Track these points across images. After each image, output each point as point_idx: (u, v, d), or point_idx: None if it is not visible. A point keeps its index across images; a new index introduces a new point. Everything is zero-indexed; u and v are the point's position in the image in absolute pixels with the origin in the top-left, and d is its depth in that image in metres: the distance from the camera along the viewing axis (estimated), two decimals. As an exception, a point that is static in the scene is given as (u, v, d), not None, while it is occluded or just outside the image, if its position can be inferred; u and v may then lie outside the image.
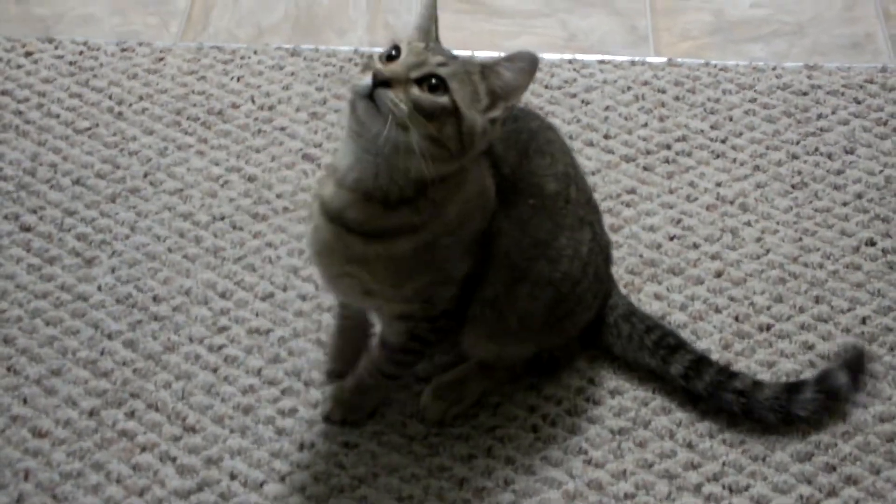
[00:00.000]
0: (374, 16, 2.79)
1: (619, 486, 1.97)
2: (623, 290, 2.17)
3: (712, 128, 2.51)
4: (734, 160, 2.45)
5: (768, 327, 2.17)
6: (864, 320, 2.17)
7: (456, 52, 1.79)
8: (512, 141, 1.90)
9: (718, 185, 2.40)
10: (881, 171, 2.42)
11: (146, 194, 2.37)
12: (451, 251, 1.83)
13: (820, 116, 2.53)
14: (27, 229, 2.30)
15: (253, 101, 2.55)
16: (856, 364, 1.97)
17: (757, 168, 2.43)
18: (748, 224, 2.33)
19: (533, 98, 2.54)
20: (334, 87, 2.57)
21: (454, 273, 1.85)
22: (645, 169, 2.43)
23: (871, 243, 2.29)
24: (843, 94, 2.57)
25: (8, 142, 2.46)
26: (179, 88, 2.57)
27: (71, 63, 2.61)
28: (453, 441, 2.02)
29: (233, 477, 1.97)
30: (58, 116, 2.50)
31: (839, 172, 2.42)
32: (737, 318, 2.18)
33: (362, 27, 2.76)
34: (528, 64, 1.75)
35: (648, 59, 2.66)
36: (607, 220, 2.25)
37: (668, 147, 2.47)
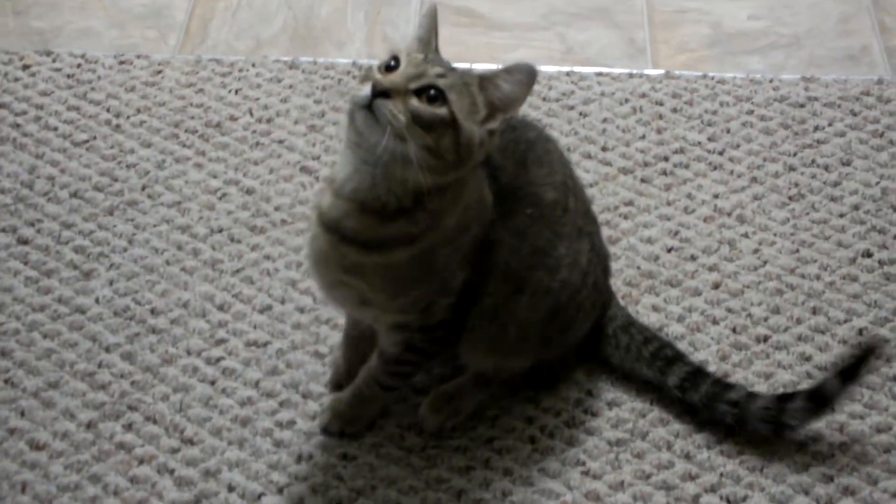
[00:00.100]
0: (373, 28, 2.79)
1: (616, 497, 1.97)
2: (621, 302, 2.17)
3: (710, 140, 2.51)
4: (731, 172, 2.45)
5: (765, 338, 2.17)
6: (860, 331, 2.18)
7: (454, 65, 1.79)
8: (510, 151, 1.90)
9: (716, 196, 2.40)
10: (877, 183, 2.42)
11: (144, 207, 2.37)
12: (448, 261, 1.83)
13: (817, 128, 2.54)
14: (25, 242, 2.30)
15: (251, 114, 2.55)
16: (850, 372, 1.96)
17: (754, 180, 2.43)
18: (745, 236, 2.33)
19: (531, 110, 2.55)
20: (332, 100, 2.58)
21: (451, 283, 1.85)
22: (643, 181, 2.43)
23: (868, 254, 2.30)
24: (839, 106, 2.58)
25: (6, 154, 2.46)
26: (177, 101, 2.58)
27: (69, 76, 2.62)
28: (451, 453, 2.02)
29: (231, 489, 1.97)
30: (56, 129, 2.51)
31: (836, 184, 2.42)
32: (734, 330, 2.18)
33: (360, 39, 2.77)
34: (526, 76, 1.76)
35: (646, 72, 2.66)
36: (605, 232, 2.25)
37: (666, 159, 2.47)
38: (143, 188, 2.40)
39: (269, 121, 2.54)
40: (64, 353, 2.13)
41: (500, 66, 1.77)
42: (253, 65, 2.66)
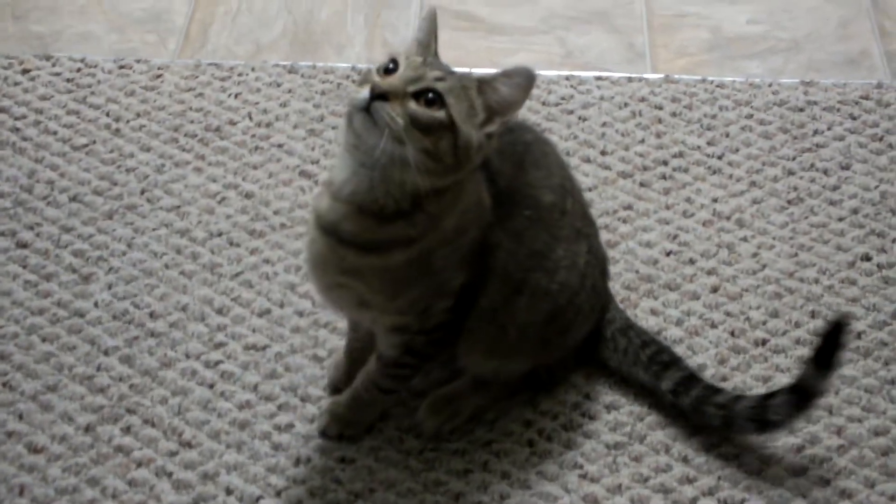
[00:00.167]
0: (372, 32, 2.80)
1: (614, 500, 1.97)
2: (620, 305, 2.17)
3: (709, 144, 2.51)
4: (731, 176, 2.45)
5: (764, 342, 2.17)
6: (859, 335, 2.17)
7: (454, 69, 1.80)
8: (507, 153, 1.90)
9: (715, 200, 2.40)
10: (876, 187, 2.42)
11: (143, 211, 2.37)
12: (446, 263, 1.83)
13: (816, 132, 2.54)
14: (24, 246, 2.30)
15: (250, 118, 2.56)
16: (825, 359, 1.92)
17: (753, 184, 2.44)
18: (744, 240, 2.33)
19: (530, 114, 2.55)
20: (332, 104, 2.58)
21: (449, 284, 1.85)
22: (642, 185, 2.43)
23: (867, 258, 2.30)
24: (838, 110, 2.58)
25: (5, 159, 2.46)
26: (177, 105, 2.58)
27: (68, 80, 2.62)
28: (449, 456, 2.02)
29: (229, 492, 1.97)
30: (55, 133, 2.51)
31: (835, 188, 2.42)
32: (732, 334, 2.18)
33: (360, 44, 2.77)
34: (524, 79, 1.76)
35: (645, 76, 2.67)
36: (604, 236, 2.25)
37: (665, 163, 2.47)
38: (143, 192, 2.40)
39: (268, 125, 2.54)
40: (62, 357, 2.13)
41: (499, 70, 1.77)
42: (252, 69, 2.66)
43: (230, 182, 2.43)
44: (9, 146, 2.48)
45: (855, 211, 2.38)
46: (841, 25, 2.81)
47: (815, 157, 2.49)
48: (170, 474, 1.99)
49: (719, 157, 2.48)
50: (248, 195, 2.40)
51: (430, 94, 1.72)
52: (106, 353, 2.14)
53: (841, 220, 2.37)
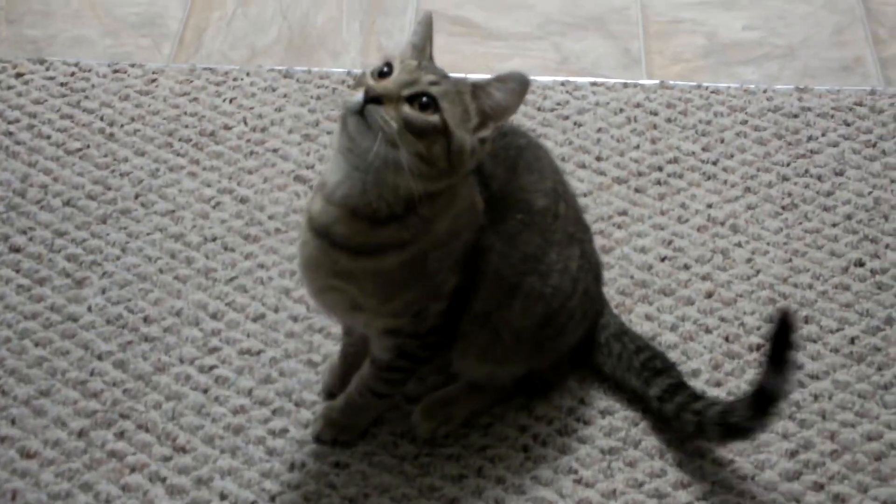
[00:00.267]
0: (368, 38, 2.80)
1: (609, 506, 1.97)
2: (615, 311, 2.17)
3: (704, 150, 2.52)
4: (725, 182, 2.45)
5: (758, 347, 2.17)
6: (852, 340, 2.18)
7: (448, 73, 1.80)
8: (500, 157, 1.90)
9: (709, 206, 2.40)
10: (870, 193, 2.43)
11: (137, 215, 2.37)
12: (439, 266, 1.83)
13: (810, 138, 2.54)
14: (17, 250, 2.30)
15: (245, 123, 2.56)
16: (779, 357, 1.88)
17: (748, 190, 2.44)
18: (739, 245, 2.34)
19: (525, 120, 2.55)
20: (327, 109, 2.58)
21: (443, 288, 1.85)
22: (636, 191, 2.43)
23: (860, 264, 2.30)
24: (832, 116, 2.58)
25: (-1, 163, 2.47)
26: (171, 110, 2.58)
27: (62, 84, 2.62)
28: (444, 461, 2.01)
29: (223, 497, 1.97)
30: (49, 137, 2.51)
31: (829, 194, 2.43)
32: (727, 339, 2.18)
33: (355, 49, 2.77)
34: (518, 85, 1.76)
35: (641, 82, 2.67)
36: (599, 242, 2.25)
37: (660, 169, 2.47)
38: (137, 197, 2.40)
39: (263, 130, 2.54)
40: (56, 361, 2.13)
41: (493, 75, 1.78)
42: (247, 74, 2.66)
43: (225, 187, 2.42)
44: (2, 150, 2.48)
45: (849, 217, 2.38)
46: (835, 32, 2.82)
47: (809, 163, 2.49)
48: (163, 479, 1.98)
49: (714, 163, 2.49)
50: (243, 200, 2.40)
51: (425, 99, 1.72)
52: (99, 357, 2.14)
53: (835, 225, 2.37)
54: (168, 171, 2.45)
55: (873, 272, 2.29)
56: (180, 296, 2.23)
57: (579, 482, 1.99)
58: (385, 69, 1.76)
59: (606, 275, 2.22)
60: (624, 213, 2.39)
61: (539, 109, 2.59)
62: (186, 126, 2.54)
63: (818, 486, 1.99)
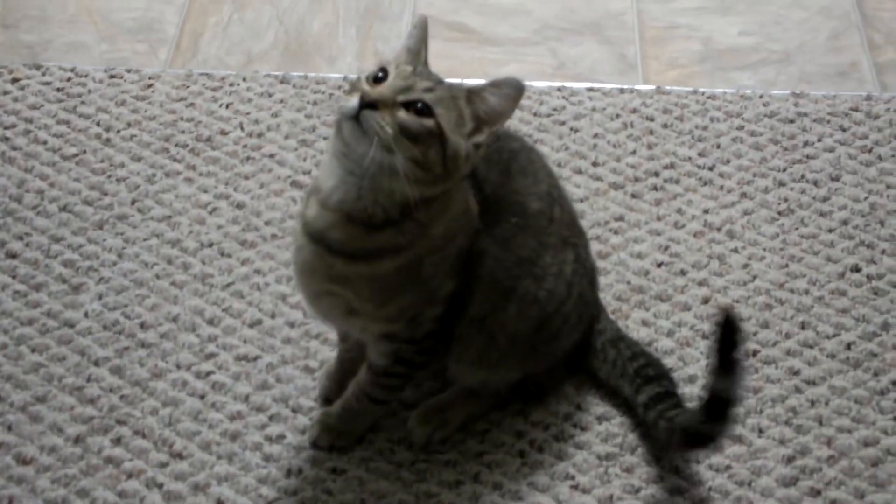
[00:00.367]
0: (364, 43, 2.80)
1: (605, 512, 1.97)
2: (611, 317, 2.17)
3: (700, 155, 2.52)
4: (721, 187, 2.45)
5: (754, 353, 2.17)
6: (848, 346, 2.18)
7: (442, 78, 1.80)
8: (494, 161, 1.91)
9: (706, 212, 2.41)
10: (866, 198, 2.43)
11: (134, 221, 2.37)
12: (434, 270, 1.83)
13: (806, 144, 2.54)
14: (13, 256, 2.30)
15: (242, 128, 2.56)
16: (727, 362, 1.87)
17: (744, 195, 2.44)
18: (735, 251, 2.34)
19: (522, 125, 2.55)
20: (323, 115, 2.58)
21: (438, 292, 1.85)
22: (633, 196, 2.43)
23: (857, 269, 2.30)
24: (828, 121, 2.59)
25: (-5, 168, 2.47)
26: (168, 115, 2.58)
27: (59, 89, 2.62)
28: (441, 467, 2.01)
29: (220, 503, 1.96)
30: (45, 143, 2.51)
31: (825, 199, 2.43)
32: (724, 345, 2.18)
33: (352, 54, 2.77)
34: (513, 90, 1.77)
35: (637, 87, 2.67)
36: (595, 247, 2.25)
37: (657, 174, 2.48)
38: (133, 202, 2.40)
39: (259, 135, 2.54)
40: (52, 367, 2.13)
41: (488, 80, 1.78)
42: (244, 79, 2.66)
43: (221, 192, 2.42)
44: (-1, 156, 2.49)
45: (845, 222, 2.38)
46: (831, 38, 2.82)
47: (805, 168, 2.49)
48: (160, 485, 1.98)
49: (710, 169, 2.49)
50: (240, 205, 2.40)
51: (420, 104, 1.72)
52: (96, 363, 2.14)
53: (831, 231, 2.37)
54: (164, 176, 2.45)
55: (869, 277, 2.29)
56: (177, 301, 2.23)
57: (576, 488, 1.99)
58: (380, 74, 1.76)
59: (603, 280, 2.22)
60: (620, 218, 2.39)
61: (535, 115, 2.59)
62: (183, 131, 2.54)
63: (815, 492, 1.99)
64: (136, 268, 2.29)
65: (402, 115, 1.71)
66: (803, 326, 2.21)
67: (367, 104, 1.70)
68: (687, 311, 2.23)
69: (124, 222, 2.37)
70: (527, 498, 1.98)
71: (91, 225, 2.36)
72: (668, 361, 2.10)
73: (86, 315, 2.21)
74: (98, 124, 2.55)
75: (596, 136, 2.55)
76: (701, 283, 2.28)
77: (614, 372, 2.06)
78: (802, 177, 2.47)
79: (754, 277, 2.29)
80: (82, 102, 2.60)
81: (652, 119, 2.59)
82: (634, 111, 2.61)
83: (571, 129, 2.57)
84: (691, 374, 2.13)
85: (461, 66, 2.72)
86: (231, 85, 2.65)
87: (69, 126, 2.55)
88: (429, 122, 1.72)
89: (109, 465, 2.01)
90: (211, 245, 2.33)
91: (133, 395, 2.10)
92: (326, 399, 2.08)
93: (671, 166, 2.49)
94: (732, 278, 2.29)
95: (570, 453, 2.04)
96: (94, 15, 2.84)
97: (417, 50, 1.80)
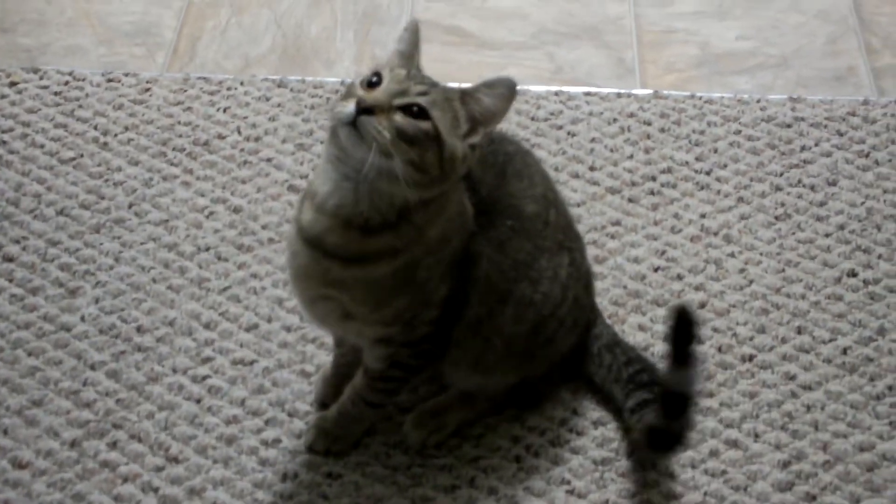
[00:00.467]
0: (362, 47, 2.80)
1: (601, 516, 1.97)
2: (608, 321, 2.17)
3: (697, 160, 2.52)
4: (718, 192, 2.45)
5: (751, 358, 2.17)
6: (845, 351, 2.18)
7: (436, 81, 1.80)
8: (489, 163, 1.91)
9: (703, 216, 2.41)
10: (863, 203, 2.43)
11: (131, 225, 2.37)
12: (430, 273, 1.83)
13: (803, 148, 2.54)
14: (10, 259, 2.30)
15: (239, 133, 2.56)
16: (682, 356, 1.88)
17: (741, 200, 2.44)
18: (732, 255, 2.34)
19: (519, 130, 2.55)
20: (321, 119, 2.58)
21: (434, 295, 1.85)
22: (630, 201, 2.43)
23: (853, 274, 2.30)
24: (826, 126, 2.59)
25: (-8, 172, 2.47)
26: (165, 119, 2.58)
27: (56, 93, 2.62)
28: (436, 472, 2.01)
29: (215, 507, 1.97)
30: (42, 146, 2.51)
31: (822, 204, 2.43)
32: (720, 349, 2.18)
33: (349, 58, 2.77)
34: (506, 90, 1.77)
35: (634, 92, 2.67)
36: (592, 252, 2.26)
37: (654, 179, 2.48)
38: (130, 206, 2.40)
39: (257, 139, 2.54)
40: (48, 371, 2.13)
41: (481, 82, 1.78)
42: (241, 83, 2.66)
43: (218, 196, 2.42)
44: (-4, 159, 2.49)
45: (841, 227, 2.38)
46: (829, 42, 2.82)
47: (802, 173, 2.49)
48: (156, 490, 1.98)
49: (707, 173, 2.49)
50: (237, 210, 2.40)
51: (415, 108, 1.73)
52: (92, 367, 2.14)
53: (828, 236, 2.37)
54: (162, 180, 2.45)
55: (866, 282, 2.29)
56: (173, 306, 2.23)
57: (572, 493, 1.99)
58: (374, 79, 1.76)
59: (600, 285, 2.22)
60: (617, 223, 2.39)
61: (533, 119, 2.59)
62: (180, 135, 2.54)
63: (810, 497, 1.99)
64: (132, 271, 2.29)
65: (399, 118, 1.72)
66: (799, 331, 2.21)
67: (364, 109, 1.70)
68: (683, 315, 2.23)
69: (121, 226, 2.37)
70: (522, 502, 1.98)
71: (88, 229, 2.36)
72: (659, 371, 2.10)
73: (82, 319, 2.21)
74: (95, 128, 2.55)
75: (593, 140, 2.55)
76: (697, 288, 2.28)
77: (609, 377, 2.06)
78: (799, 181, 2.48)
79: (751, 282, 2.29)
80: (80, 106, 2.60)
81: (649, 123, 2.59)
82: (632, 115, 2.61)
83: (568, 133, 2.57)
84: (687, 378, 2.13)
85: (458, 71, 2.72)
86: (228, 89, 2.65)
87: (66, 130, 2.55)
88: (425, 125, 1.73)
89: (105, 469, 2.01)
90: (208, 249, 2.33)
91: (129, 399, 2.10)
92: (322, 403, 2.08)
93: (668, 171, 2.49)
94: (729, 283, 2.29)
95: (565, 458, 2.04)
96: (92, 19, 2.84)
97: (410, 53, 1.81)
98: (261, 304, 2.24)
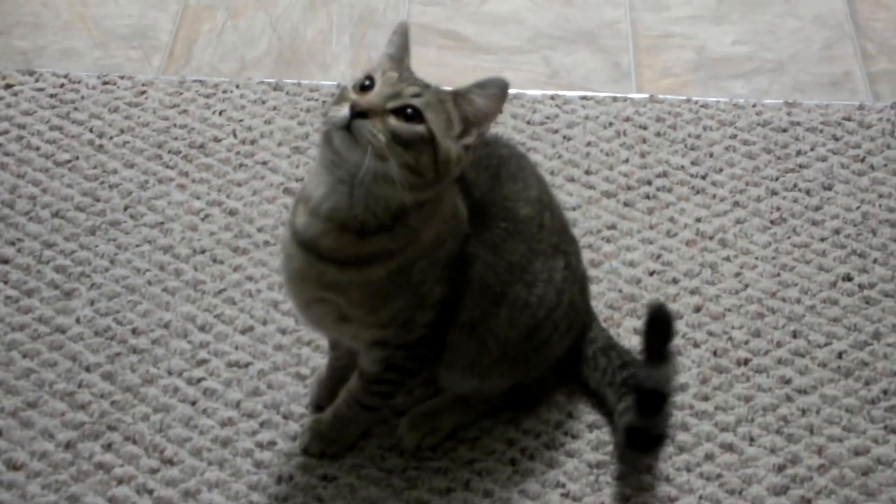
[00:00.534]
0: (357, 51, 2.80)
1: (596, 520, 1.97)
2: (603, 325, 2.17)
3: (693, 164, 2.52)
4: (714, 196, 2.45)
5: (746, 362, 2.17)
6: (840, 355, 2.18)
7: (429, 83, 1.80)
8: (482, 166, 1.91)
9: (698, 220, 2.41)
10: (858, 208, 2.43)
11: (126, 227, 2.37)
12: (425, 275, 1.83)
13: (799, 153, 2.55)
14: (5, 261, 2.29)
15: (235, 135, 2.56)
16: (656, 352, 1.91)
17: (736, 204, 2.44)
18: (727, 259, 2.34)
19: (515, 134, 2.55)
20: (317, 122, 2.58)
21: (429, 297, 1.85)
22: (625, 204, 2.44)
23: (848, 278, 2.30)
24: (821, 131, 2.59)
25: (-12, 174, 2.46)
26: (161, 122, 2.58)
27: (52, 96, 2.62)
28: (432, 474, 2.01)
29: (209, 510, 1.97)
30: (38, 149, 2.51)
31: (817, 208, 2.43)
32: (715, 353, 2.18)
33: (345, 62, 2.77)
34: (498, 90, 1.77)
35: (630, 96, 2.67)
36: (587, 255, 2.26)
37: (649, 183, 2.48)
38: (126, 208, 2.40)
39: (252, 142, 2.54)
40: (43, 373, 2.13)
41: (473, 82, 1.78)
42: (237, 86, 2.66)
43: (214, 199, 2.42)
44: (-9, 162, 2.49)
45: (837, 231, 2.39)
46: (825, 47, 2.82)
47: (798, 177, 2.50)
48: (151, 492, 1.98)
49: (703, 177, 2.49)
50: (232, 212, 2.40)
51: (409, 110, 1.73)
52: (87, 369, 2.14)
53: (823, 240, 2.37)
54: (157, 183, 2.45)
55: (861, 287, 2.29)
56: (169, 308, 2.23)
57: (567, 496, 1.99)
58: (366, 83, 1.76)
59: (595, 288, 2.22)
60: (613, 226, 2.39)
61: (529, 123, 2.59)
62: (176, 138, 2.54)
63: (805, 501, 1.99)
64: (128, 274, 2.28)
65: (393, 122, 1.72)
66: (795, 335, 2.21)
67: (358, 113, 1.70)
68: (679, 319, 2.23)
69: (117, 228, 2.36)
70: (517, 505, 1.98)
71: (83, 231, 2.36)
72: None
73: (77, 321, 2.21)
74: (91, 130, 2.55)
75: (589, 144, 2.55)
76: (693, 292, 2.28)
77: (603, 380, 2.06)
78: (795, 186, 2.48)
79: (746, 286, 2.29)
80: (75, 108, 2.60)
81: (645, 128, 2.59)
82: (627, 120, 2.61)
83: (564, 137, 2.57)
84: (683, 382, 2.13)
85: (454, 75, 2.71)
86: (224, 92, 2.65)
87: (62, 132, 2.55)
88: (419, 128, 1.73)
89: (100, 471, 2.00)
90: (203, 251, 2.33)
91: (124, 401, 2.09)
92: (318, 406, 2.08)
93: (664, 175, 2.49)
94: (724, 287, 2.29)
95: (561, 461, 2.04)
96: (88, 21, 2.84)
97: (400, 56, 1.81)
98: (256, 306, 2.24)
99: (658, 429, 1.97)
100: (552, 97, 2.66)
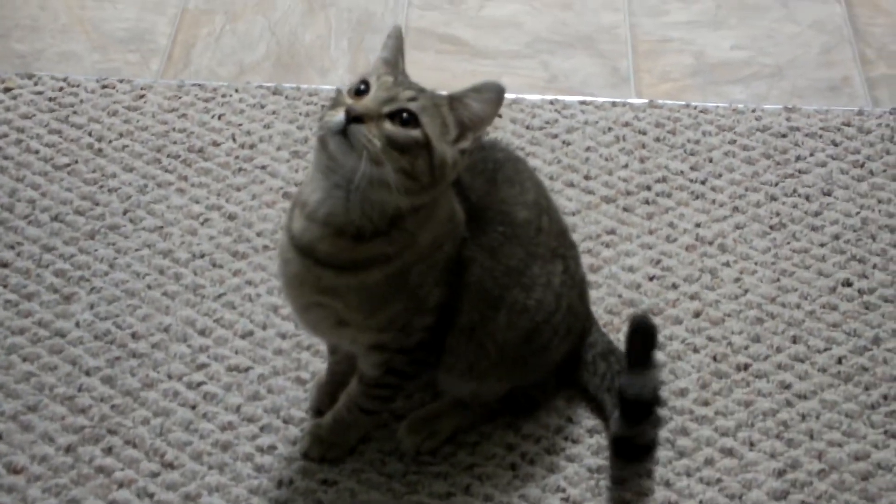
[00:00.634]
0: (356, 55, 2.80)
1: (596, 524, 1.97)
2: (603, 330, 2.17)
3: (692, 169, 2.52)
4: (713, 201, 2.46)
5: (746, 367, 2.17)
6: (840, 360, 2.18)
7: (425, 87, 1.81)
8: (479, 170, 1.91)
9: (698, 225, 2.41)
10: (858, 213, 2.43)
11: (125, 231, 2.37)
12: (423, 278, 1.83)
13: (798, 158, 2.55)
14: (4, 265, 2.29)
15: (234, 140, 2.55)
16: (641, 358, 1.92)
17: (736, 209, 2.44)
18: (727, 264, 2.34)
19: (514, 139, 2.56)
20: (315, 126, 2.58)
21: (427, 301, 1.86)
22: (625, 210, 2.44)
23: (848, 284, 2.31)
24: (820, 136, 2.59)
25: (-13, 178, 2.46)
26: (160, 126, 2.57)
27: (50, 99, 2.62)
28: (432, 479, 2.01)
29: (210, 514, 1.97)
30: (37, 152, 2.50)
31: (817, 214, 2.43)
32: (715, 358, 2.18)
33: (344, 66, 2.77)
34: (494, 94, 1.78)
35: (629, 101, 2.67)
36: (587, 260, 2.26)
37: (648, 188, 2.48)
38: (125, 213, 2.40)
39: (251, 146, 2.54)
40: (43, 377, 2.13)
41: (469, 87, 1.79)
42: (236, 90, 2.66)
43: (213, 203, 2.42)
44: (-9, 165, 2.48)
45: (836, 236, 2.39)
46: (823, 52, 2.83)
47: (797, 182, 2.50)
48: (151, 495, 1.98)
49: (702, 183, 2.49)
50: (231, 217, 2.40)
51: (405, 115, 1.73)
52: (87, 373, 2.14)
53: (823, 245, 2.37)
54: (156, 187, 2.45)
55: (861, 292, 2.29)
56: (168, 312, 2.23)
57: (567, 500, 1.99)
58: (362, 87, 1.76)
59: (594, 294, 2.22)
60: (612, 232, 2.39)
61: (528, 128, 2.60)
62: (175, 142, 2.54)
63: (806, 506, 2.00)
64: (127, 278, 2.28)
65: (389, 126, 1.72)
66: (795, 340, 2.21)
67: (354, 118, 1.70)
68: (678, 324, 2.23)
69: (116, 232, 2.36)
70: (518, 510, 1.98)
71: (83, 235, 2.35)
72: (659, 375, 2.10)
73: (77, 325, 2.20)
74: (90, 134, 2.55)
75: (588, 149, 2.55)
76: (692, 297, 2.28)
77: (602, 385, 2.06)
78: (794, 191, 2.48)
79: (746, 291, 2.29)
80: (74, 112, 2.60)
81: (644, 133, 2.59)
82: (626, 125, 2.61)
83: (563, 142, 2.57)
84: (682, 387, 2.13)
85: (453, 79, 2.72)
86: (223, 96, 2.65)
87: (61, 136, 2.54)
88: (415, 132, 1.73)
89: (100, 475, 2.00)
90: (202, 256, 2.33)
91: (124, 405, 2.09)
92: (318, 410, 2.08)
93: (663, 180, 2.50)
94: (724, 292, 2.29)
95: (561, 466, 2.04)
96: (87, 25, 2.84)
97: (394, 60, 1.81)
98: (256, 310, 2.24)
99: (645, 438, 1.97)
100: (551, 102, 2.66)
